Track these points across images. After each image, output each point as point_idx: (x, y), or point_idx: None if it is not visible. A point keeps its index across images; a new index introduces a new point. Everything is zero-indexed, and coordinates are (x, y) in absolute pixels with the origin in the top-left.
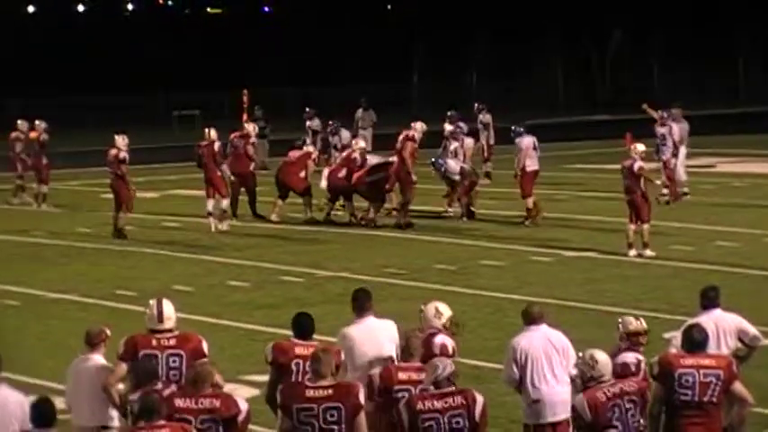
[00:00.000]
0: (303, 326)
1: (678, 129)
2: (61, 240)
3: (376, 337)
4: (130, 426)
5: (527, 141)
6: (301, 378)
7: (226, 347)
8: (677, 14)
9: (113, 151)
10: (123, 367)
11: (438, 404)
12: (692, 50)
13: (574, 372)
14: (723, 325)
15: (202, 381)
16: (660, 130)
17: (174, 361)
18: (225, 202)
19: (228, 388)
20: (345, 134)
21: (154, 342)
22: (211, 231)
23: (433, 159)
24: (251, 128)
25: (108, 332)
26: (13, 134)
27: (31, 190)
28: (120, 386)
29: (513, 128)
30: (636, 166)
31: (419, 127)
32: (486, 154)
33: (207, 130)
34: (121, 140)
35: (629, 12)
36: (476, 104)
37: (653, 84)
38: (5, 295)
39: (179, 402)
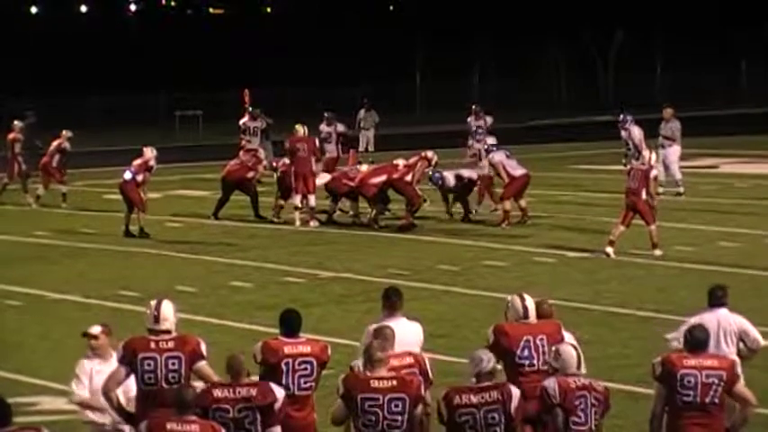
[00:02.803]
0: (291, 322)
1: (638, 132)
2: (64, 241)
3: (406, 337)
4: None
5: (498, 157)
6: (292, 377)
7: (229, 348)
8: (679, 15)
9: (142, 160)
10: (122, 371)
11: (475, 399)
12: (694, 51)
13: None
14: (725, 325)
15: (239, 370)
16: (622, 134)
17: (172, 364)
18: (312, 199)
19: None
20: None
21: (152, 345)
22: (296, 226)
23: (429, 174)
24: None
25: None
26: (11, 135)
27: (33, 191)
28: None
29: (485, 147)
30: (652, 174)
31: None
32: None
33: (297, 126)
34: (150, 152)
35: (632, 12)
36: (473, 106)
37: (655, 84)
38: (8, 295)
39: (217, 393)
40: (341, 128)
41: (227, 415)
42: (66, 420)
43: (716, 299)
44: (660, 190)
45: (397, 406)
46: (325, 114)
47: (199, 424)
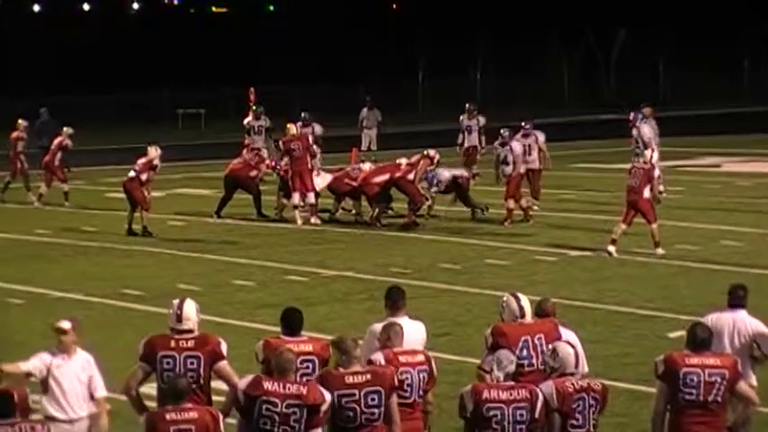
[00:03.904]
0: (292, 321)
1: (648, 130)
2: (66, 239)
3: (409, 336)
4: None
5: (518, 149)
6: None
7: (231, 346)
8: (683, 13)
9: (147, 159)
10: (142, 369)
11: (503, 395)
12: (698, 49)
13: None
14: (740, 326)
15: (288, 367)
16: (633, 132)
17: (191, 363)
18: (311, 196)
19: None
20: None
21: (172, 344)
22: (298, 224)
23: (423, 174)
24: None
25: (64, 325)
26: (15, 134)
27: (36, 189)
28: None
29: (501, 131)
30: (655, 173)
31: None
32: (474, 156)
33: (289, 125)
34: (154, 151)
35: (635, 10)
36: (467, 105)
37: (658, 83)
38: (10, 293)
39: (267, 385)
40: (318, 130)
41: (274, 408)
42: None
43: (737, 299)
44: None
45: (373, 400)
46: (302, 115)
47: (196, 410)
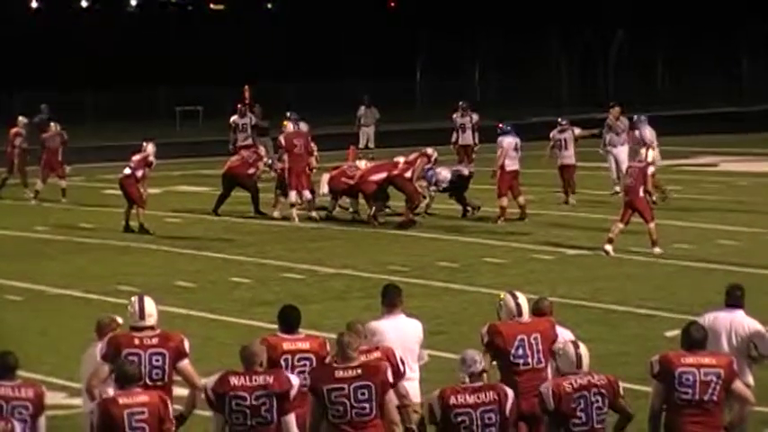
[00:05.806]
0: (290, 319)
1: (649, 132)
2: (63, 236)
3: (405, 334)
4: None
5: (509, 141)
6: (291, 373)
7: (227, 344)
8: (680, 13)
9: (142, 155)
10: (106, 368)
11: (470, 399)
12: (696, 49)
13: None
14: (737, 327)
15: (253, 360)
16: (635, 133)
17: (156, 360)
18: (308, 193)
19: None
20: None
21: (136, 341)
22: (295, 223)
23: (421, 173)
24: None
25: (119, 320)
26: (14, 130)
27: (32, 185)
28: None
29: (499, 125)
30: (650, 171)
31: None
32: (468, 155)
33: (285, 122)
34: (151, 148)
35: (633, 10)
36: (459, 103)
37: (656, 82)
38: (8, 290)
39: (234, 381)
40: (303, 127)
41: (244, 402)
42: (64, 415)
43: (734, 299)
44: (617, 189)
45: (363, 394)
46: (288, 114)
47: (147, 394)
